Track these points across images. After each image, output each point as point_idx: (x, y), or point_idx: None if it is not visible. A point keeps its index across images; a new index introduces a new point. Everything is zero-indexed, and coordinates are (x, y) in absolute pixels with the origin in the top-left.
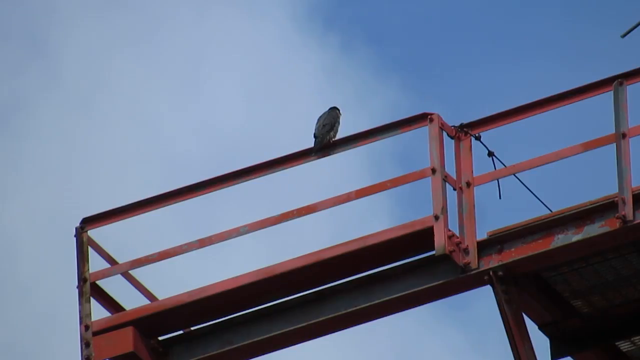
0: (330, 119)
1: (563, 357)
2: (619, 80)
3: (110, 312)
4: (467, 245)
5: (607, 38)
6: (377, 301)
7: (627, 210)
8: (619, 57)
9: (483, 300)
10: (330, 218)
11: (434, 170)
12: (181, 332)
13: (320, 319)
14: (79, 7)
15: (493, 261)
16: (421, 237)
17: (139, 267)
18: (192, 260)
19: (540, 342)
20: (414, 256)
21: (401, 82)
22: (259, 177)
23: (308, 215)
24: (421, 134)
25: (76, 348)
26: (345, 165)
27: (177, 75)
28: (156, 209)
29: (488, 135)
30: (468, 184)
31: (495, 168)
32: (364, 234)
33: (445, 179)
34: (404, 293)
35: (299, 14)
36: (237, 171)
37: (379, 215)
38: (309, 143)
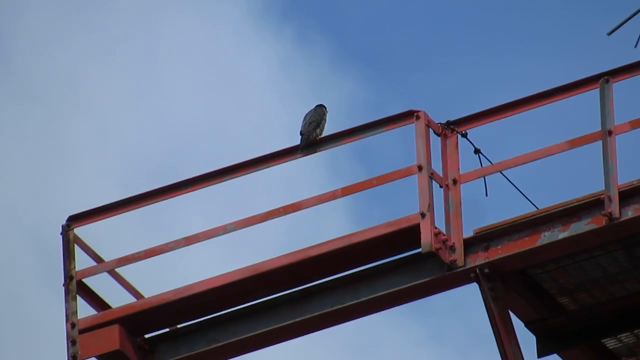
0: (317, 116)
1: (550, 354)
2: (605, 77)
3: (96, 310)
4: (454, 243)
5: (593, 35)
6: (363, 299)
7: (614, 207)
8: (606, 54)
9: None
10: (285, 217)
11: (420, 168)
12: (167, 330)
13: (307, 316)
14: (34, 2)
15: (479, 258)
16: (407, 235)
17: (125, 264)
18: (178, 258)
19: (526, 340)
20: (401, 254)
21: (358, 74)
22: (245, 174)
23: (294, 213)
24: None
25: (62, 346)
26: (302, 161)
27: (134, 72)
28: (142, 206)
29: (474, 132)
30: (454, 181)
31: (481, 165)
32: (320, 234)
33: (432, 176)
34: (390, 290)
35: (253, 6)
36: (223, 169)
37: (338, 213)
38: (266, 135)
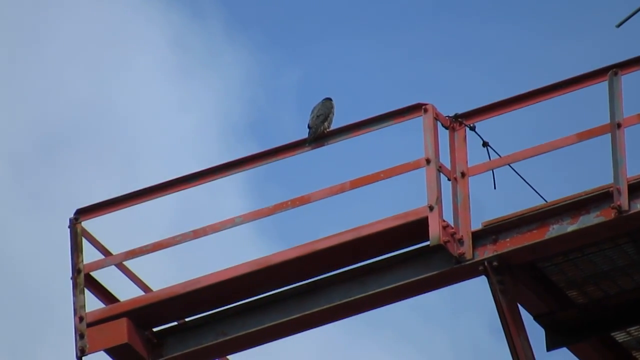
0: (324, 109)
1: (559, 348)
2: (614, 70)
3: (104, 303)
4: (462, 236)
5: (601, 27)
6: (371, 292)
7: (622, 200)
8: (614, 46)
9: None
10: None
11: (428, 161)
12: (175, 323)
13: (315, 310)
14: None
15: (488, 251)
16: (416, 228)
17: (133, 258)
18: (186, 251)
19: (535, 333)
20: (409, 247)
21: (252, 43)
22: (252, 168)
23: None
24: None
25: (70, 339)
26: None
27: (16, 46)
28: (151, 199)
29: (483, 125)
30: (462, 175)
31: (490, 158)
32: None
33: (440, 169)
34: (398, 284)
35: None
36: (229, 162)
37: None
38: (162, 109)
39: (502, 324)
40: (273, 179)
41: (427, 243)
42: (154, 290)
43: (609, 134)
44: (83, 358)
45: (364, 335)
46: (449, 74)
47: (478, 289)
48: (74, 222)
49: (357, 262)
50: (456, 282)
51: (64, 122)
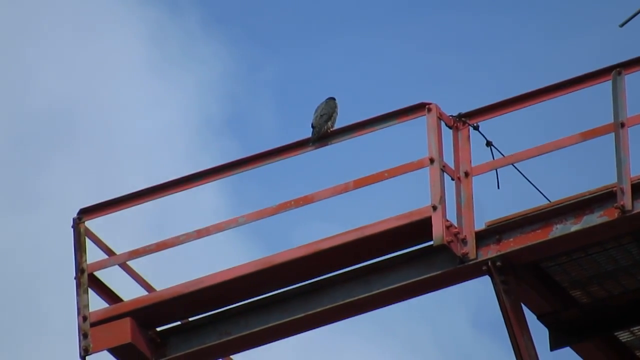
0: (328, 109)
1: (562, 347)
2: (618, 69)
3: (108, 303)
4: (465, 236)
5: (605, 26)
6: (374, 292)
7: (626, 200)
8: (618, 46)
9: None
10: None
11: (432, 160)
12: (179, 323)
13: (318, 309)
14: None
15: (491, 251)
16: (419, 228)
17: (137, 257)
18: (190, 251)
19: (539, 333)
20: (412, 246)
21: (229, 39)
22: (256, 167)
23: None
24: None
25: (74, 339)
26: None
27: None
28: (154, 199)
29: (486, 124)
30: (466, 174)
31: (493, 158)
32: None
33: (444, 169)
34: (401, 284)
35: None
36: (233, 162)
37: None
38: (139, 104)
39: (505, 323)
40: (250, 178)
41: (431, 243)
42: (157, 289)
43: (613, 134)
44: (87, 357)
45: (346, 329)
46: (452, 71)
47: (463, 284)
48: (77, 222)
49: (361, 262)
50: (459, 282)
51: (39, 118)
